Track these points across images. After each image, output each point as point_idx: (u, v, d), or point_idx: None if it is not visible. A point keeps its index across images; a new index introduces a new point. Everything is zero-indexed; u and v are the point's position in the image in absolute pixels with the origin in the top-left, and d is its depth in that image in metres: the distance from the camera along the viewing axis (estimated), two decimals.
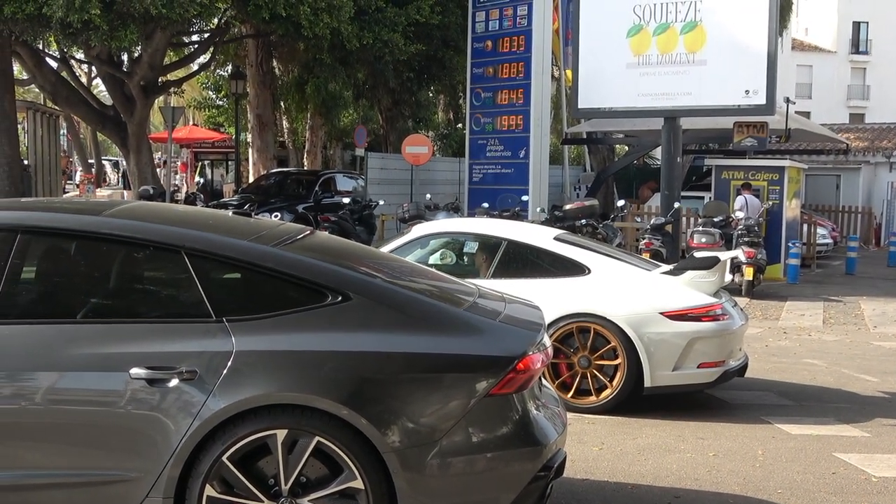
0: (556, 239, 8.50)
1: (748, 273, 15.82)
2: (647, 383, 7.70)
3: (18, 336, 4.25)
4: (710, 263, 8.01)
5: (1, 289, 4.27)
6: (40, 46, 23.88)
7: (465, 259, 9.00)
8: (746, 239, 16.20)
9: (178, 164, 39.55)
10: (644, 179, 29.54)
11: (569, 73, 23.58)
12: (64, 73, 25.79)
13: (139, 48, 21.26)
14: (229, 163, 39.73)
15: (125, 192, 30.52)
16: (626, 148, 27.57)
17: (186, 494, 4.09)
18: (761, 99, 16.45)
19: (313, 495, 4.11)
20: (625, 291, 7.92)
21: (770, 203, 18.14)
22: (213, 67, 31.05)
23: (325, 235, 5.61)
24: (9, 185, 20.49)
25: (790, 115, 22.70)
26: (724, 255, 8.31)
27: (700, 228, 16.61)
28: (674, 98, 17.40)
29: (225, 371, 4.06)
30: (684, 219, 19.26)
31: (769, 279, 17.46)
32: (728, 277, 8.57)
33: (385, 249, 8.66)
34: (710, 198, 19.49)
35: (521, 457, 4.30)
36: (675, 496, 5.86)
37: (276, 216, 19.87)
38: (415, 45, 22.07)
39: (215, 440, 4.05)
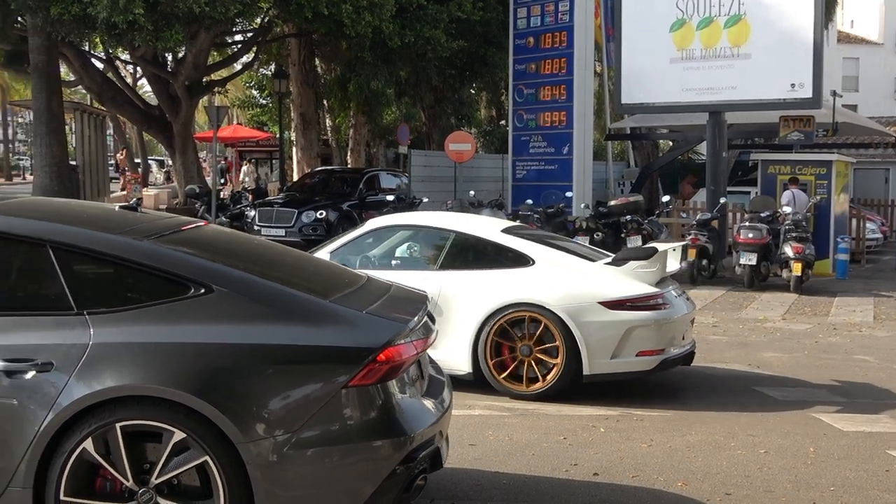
0: (505, 231, 8.74)
1: (797, 269, 15.62)
2: (586, 371, 7.86)
3: None
4: (648, 254, 8.21)
5: None
6: (86, 48, 24.18)
7: (417, 251, 9.20)
8: (794, 234, 16.00)
9: (224, 163, 39.85)
10: (688, 175, 29.28)
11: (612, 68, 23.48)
12: (110, 74, 26.09)
13: (183, 48, 21.44)
14: (273, 161, 39.98)
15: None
16: (671, 143, 27.33)
17: (46, 485, 4.12)
18: (807, 92, 16.25)
19: (167, 479, 4.12)
20: (565, 281, 8.09)
21: (818, 198, 17.90)
22: (256, 67, 31.25)
23: (213, 229, 5.61)
24: (58, 185, 20.76)
25: (837, 109, 22.37)
26: (663, 246, 8.50)
27: (747, 224, 16.41)
28: (718, 92, 17.28)
29: (80, 363, 4.09)
30: (730, 214, 19.09)
31: (818, 275, 17.23)
32: (675, 267, 8.62)
33: (339, 243, 8.96)
34: (756, 193, 19.27)
35: (380, 449, 4.27)
36: (727, 493, 5.79)
37: (321, 214, 20.04)
38: (457, 42, 22.04)
39: (72, 431, 4.07)
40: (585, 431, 7.13)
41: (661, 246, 8.48)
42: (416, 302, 4.96)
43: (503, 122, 34.13)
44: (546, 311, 7.85)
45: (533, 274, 8.17)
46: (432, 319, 5.02)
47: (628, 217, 16.75)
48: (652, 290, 8.02)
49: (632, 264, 8.16)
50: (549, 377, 7.91)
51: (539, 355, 7.94)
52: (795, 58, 16.28)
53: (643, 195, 20.79)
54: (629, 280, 8.07)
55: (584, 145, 20.60)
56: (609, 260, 8.48)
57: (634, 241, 16.16)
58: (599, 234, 16.68)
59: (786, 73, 16.40)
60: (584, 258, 8.51)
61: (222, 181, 36.95)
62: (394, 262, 8.92)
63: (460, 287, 8.18)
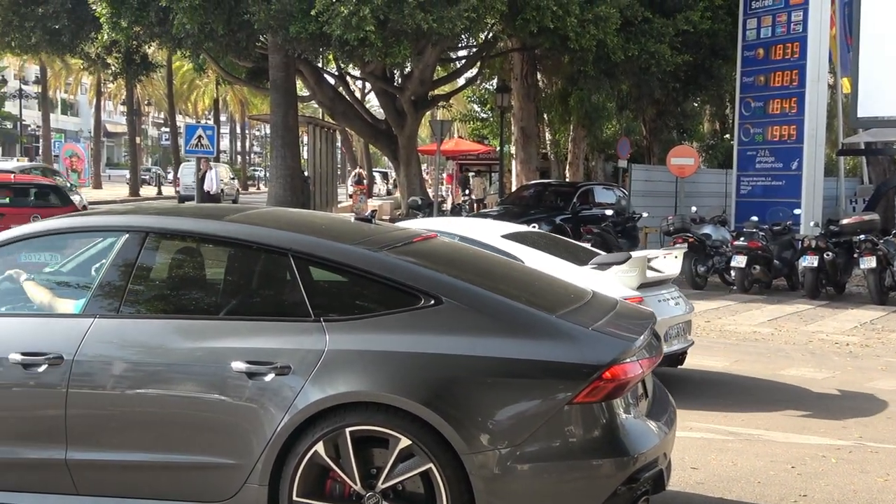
0: (504, 236, 9.13)
1: None
2: None
3: (136, 329, 4.64)
4: (622, 259, 8.57)
5: (128, 285, 4.69)
6: (320, 64, 25.34)
7: None
8: None
9: (444, 175, 40.69)
10: None
11: (845, 80, 22.46)
12: (341, 89, 27.21)
13: (410, 64, 22.10)
14: (493, 174, 40.53)
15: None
16: None
17: (280, 483, 4.26)
18: None
19: (393, 485, 4.18)
20: None
21: None
22: (479, 82, 31.77)
23: (442, 241, 5.65)
24: (290, 195, 21.80)
25: None
26: (638, 254, 8.92)
27: None
28: None
29: (316, 368, 4.23)
30: None
31: None
32: (675, 271, 9.05)
33: None
34: None
35: (602, 467, 4.22)
36: None
37: (533, 227, 20.09)
38: (682, 56, 21.68)
39: (306, 433, 4.21)
40: (815, 461, 6.83)
41: (635, 253, 8.88)
42: (643, 319, 4.91)
43: (727, 135, 33.26)
44: None
45: None
46: (658, 338, 4.95)
47: (862, 237, 15.88)
48: (633, 293, 8.18)
49: (615, 269, 8.43)
50: None
51: None
52: None
53: (878, 214, 19.67)
54: (608, 283, 8.14)
55: (815, 161, 19.81)
56: (594, 265, 8.73)
57: (868, 263, 15.34)
58: (830, 253, 15.91)
59: None
60: (574, 263, 8.75)
61: (467, 192, 37.66)
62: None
63: None
